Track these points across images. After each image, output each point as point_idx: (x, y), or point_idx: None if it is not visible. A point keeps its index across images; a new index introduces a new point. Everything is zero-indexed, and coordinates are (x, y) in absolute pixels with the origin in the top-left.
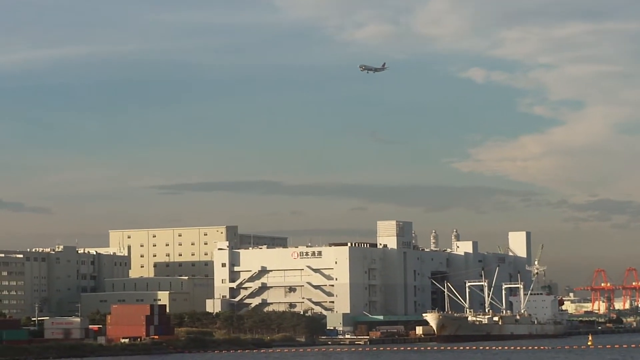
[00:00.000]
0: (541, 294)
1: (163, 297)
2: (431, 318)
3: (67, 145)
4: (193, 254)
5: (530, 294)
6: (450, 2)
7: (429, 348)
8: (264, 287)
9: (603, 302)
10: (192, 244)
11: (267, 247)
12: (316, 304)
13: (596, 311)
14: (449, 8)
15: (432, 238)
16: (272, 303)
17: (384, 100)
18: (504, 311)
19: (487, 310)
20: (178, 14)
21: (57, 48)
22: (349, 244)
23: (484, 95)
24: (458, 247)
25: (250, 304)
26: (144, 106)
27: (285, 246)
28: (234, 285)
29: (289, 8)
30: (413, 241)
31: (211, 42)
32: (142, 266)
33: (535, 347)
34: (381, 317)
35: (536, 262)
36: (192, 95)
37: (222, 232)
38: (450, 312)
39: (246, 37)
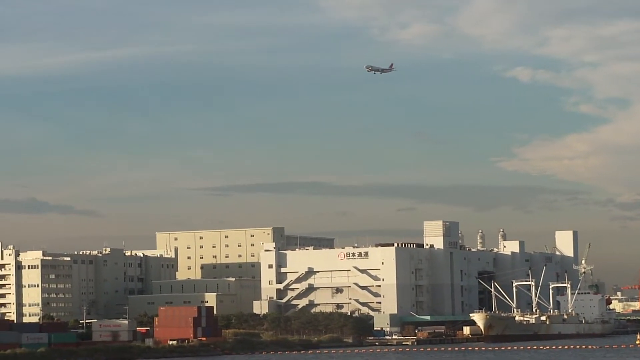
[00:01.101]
0: (588, 293)
1: (210, 299)
2: (478, 318)
3: (115, 147)
4: (240, 256)
5: (578, 294)
6: (495, 2)
7: (476, 348)
8: (310, 288)
9: None
10: (238, 246)
11: (314, 248)
12: (363, 304)
13: None
14: (493, 7)
15: (478, 238)
16: (319, 304)
17: (430, 100)
18: (552, 311)
19: (534, 310)
20: (223, 16)
21: (104, 51)
22: (396, 245)
23: (529, 94)
24: (505, 246)
25: (298, 305)
26: (190, 108)
27: (332, 247)
28: (281, 286)
29: (334, 9)
30: (460, 241)
31: (256, 44)
32: (189, 268)
33: (583, 347)
34: (428, 318)
35: (583, 261)
36: (238, 96)
37: (268, 234)
38: (497, 312)
39: (291, 38)
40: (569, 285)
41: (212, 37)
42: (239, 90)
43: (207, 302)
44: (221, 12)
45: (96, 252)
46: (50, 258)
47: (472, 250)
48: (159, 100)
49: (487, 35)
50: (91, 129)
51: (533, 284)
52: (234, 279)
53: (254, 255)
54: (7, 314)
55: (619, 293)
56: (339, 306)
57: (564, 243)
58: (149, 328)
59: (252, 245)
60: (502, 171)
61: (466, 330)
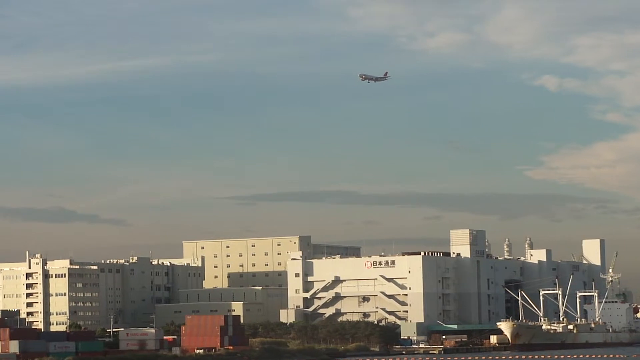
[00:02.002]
0: (616, 301)
1: (237, 308)
2: (505, 327)
3: (142, 156)
4: (267, 264)
5: (605, 302)
6: (522, 10)
7: (503, 357)
8: (337, 297)
9: None
10: (265, 254)
11: (341, 257)
12: (390, 313)
13: None
14: (521, 16)
15: (505, 246)
16: (345, 313)
17: (457, 108)
18: (579, 319)
19: (561, 319)
20: (250, 24)
21: (131, 60)
22: (423, 253)
23: (556, 102)
24: (532, 255)
25: (324, 313)
26: (217, 116)
27: (358, 256)
28: (307, 295)
29: (362, 17)
30: (486, 250)
31: (284, 52)
32: (215, 277)
33: (610, 356)
34: (455, 326)
35: (610, 270)
36: (266, 105)
37: (295, 242)
38: (524, 321)
39: (318, 47)
40: (596, 294)
41: (239, 45)
42: (266, 98)
43: (234, 310)
44: (248, 21)
45: (123, 261)
46: (78, 267)
47: (499, 258)
48: (186, 108)
49: (514, 43)
50: (118, 137)
51: (560, 292)
52: (260, 287)
53: (280, 264)
54: (34, 323)
55: None
56: (365, 315)
57: (591, 251)
58: (175, 337)
59: (279, 254)
60: (529, 179)
61: (493, 339)
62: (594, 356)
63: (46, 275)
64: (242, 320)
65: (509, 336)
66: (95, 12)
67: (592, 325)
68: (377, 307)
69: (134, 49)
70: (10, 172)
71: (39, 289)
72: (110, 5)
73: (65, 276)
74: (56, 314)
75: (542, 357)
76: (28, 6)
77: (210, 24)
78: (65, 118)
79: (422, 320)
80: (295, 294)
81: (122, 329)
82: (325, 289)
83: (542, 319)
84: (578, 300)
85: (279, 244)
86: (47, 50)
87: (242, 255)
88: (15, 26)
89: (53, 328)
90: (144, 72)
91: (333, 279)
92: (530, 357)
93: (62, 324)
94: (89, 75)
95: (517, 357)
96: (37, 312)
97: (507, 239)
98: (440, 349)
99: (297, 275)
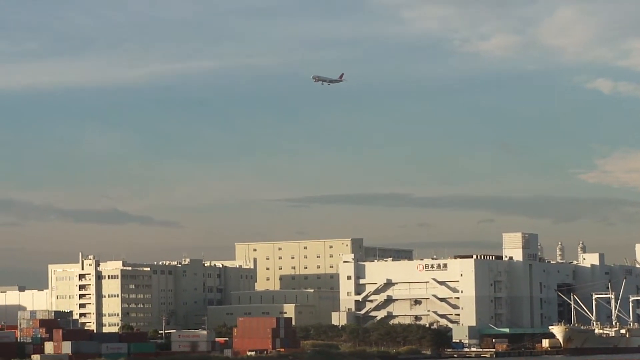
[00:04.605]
0: None
1: (289, 310)
2: (558, 331)
3: (195, 157)
4: (319, 267)
5: None
6: (577, 12)
7: None
8: (389, 300)
9: None
10: (317, 257)
11: (393, 260)
12: (442, 316)
13: None
14: (575, 18)
15: (558, 250)
16: (397, 316)
17: (510, 111)
18: (632, 324)
19: (614, 323)
20: (303, 27)
21: (184, 62)
22: (475, 257)
23: (610, 105)
24: (584, 259)
25: (376, 316)
26: (270, 118)
27: (410, 259)
28: (359, 298)
29: (415, 20)
30: (539, 253)
31: (337, 54)
32: (267, 279)
33: None
34: (507, 330)
35: None
36: (318, 106)
37: (347, 245)
38: (576, 325)
39: (372, 49)
40: None
41: (292, 47)
42: (319, 100)
43: (286, 313)
44: (301, 23)
45: (175, 263)
46: (130, 268)
47: (552, 262)
48: (239, 110)
49: (568, 46)
50: (171, 139)
51: (613, 296)
52: (312, 290)
53: (332, 267)
54: (87, 324)
55: None
56: (417, 318)
57: None
58: (227, 339)
59: (331, 256)
60: (582, 183)
61: (545, 343)
62: None
63: (99, 277)
64: (293, 323)
65: (561, 340)
66: (147, 14)
67: None
68: (428, 310)
69: (186, 51)
70: (64, 174)
71: (92, 290)
72: (163, 8)
73: (117, 277)
74: (108, 315)
75: None
76: (84, 7)
77: (261, 26)
78: (118, 119)
79: (474, 324)
80: (347, 296)
81: (174, 331)
82: (377, 291)
83: (594, 323)
84: (631, 304)
85: (331, 247)
86: (100, 52)
87: (294, 258)
88: (71, 28)
89: (105, 329)
90: (197, 73)
91: (385, 281)
92: None
93: (115, 325)
94: (142, 77)
95: None
96: (90, 313)
97: (559, 243)
98: (492, 353)
99: (349, 277)
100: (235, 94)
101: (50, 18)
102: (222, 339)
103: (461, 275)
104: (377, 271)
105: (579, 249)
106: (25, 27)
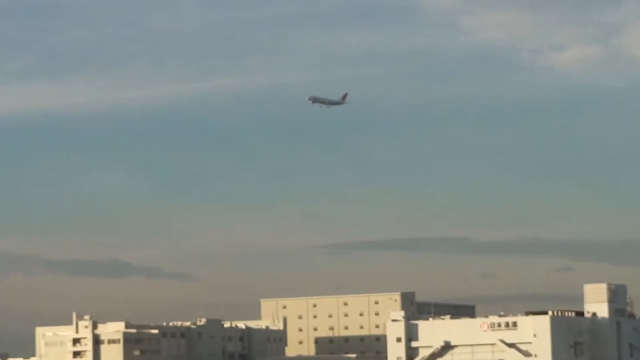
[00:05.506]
0: None
1: None
2: None
3: (213, 198)
4: (362, 327)
5: None
6: None
7: None
8: None
9: None
10: (360, 315)
11: (451, 318)
12: None
13: None
14: None
15: None
16: None
17: (591, 137)
18: None
19: None
20: (343, 38)
21: (204, 81)
22: (551, 313)
23: None
24: None
25: None
26: (303, 149)
27: (472, 316)
28: None
29: (476, 29)
30: (628, 308)
31: (384, 71)
32: (300, 342)
33: None
34: None
35: None
36: (361, 135)
37: (396, 300)
38: None
39: (425, 64)
40: None
41: (330, 63)
42: (361, 127)
43: None
44: (340, 34)
45: (189, 323)
46: (135, 330)
47: None
48: (264, 139)
49: None
50: (183, 176)
51: None
52: (354, 355)
53: (378, 327)
54: None
55: None
56: None
57: None
58: None
59: (377, 314)
60: None
61: None
62: None
63: (97, 341)
64: None
65: None
66: (157, 26)
67: None
68: None
69: (203, 69)
70: (55, 217)
71: (89, 357)
72: (174, 18)
73: (119, 342)
74: None
75: None
76: (80, 19)
77: (293, 39)
78: (119, 151)
79: None
80: None
81: None
82: (433, 356)
83: None
84: None
85: (376, 302)
86: (101, 72)
87: (332, 316)
88: (65, 43)
89: None
90: (215, 95)
91: (442, 344)
92: None
93: None
94: (150, 101)
95: None
96: None
97: None
98: None
99: (398, 339)
100: (261, 120)
101: (37, 32)
102: None
103: (534, 335)
104: (433, 331)
105: None
106: (8, 42)
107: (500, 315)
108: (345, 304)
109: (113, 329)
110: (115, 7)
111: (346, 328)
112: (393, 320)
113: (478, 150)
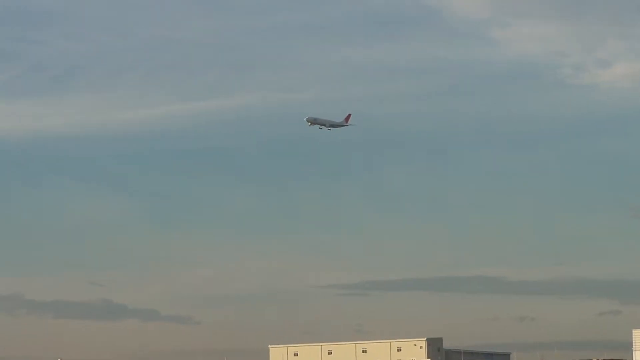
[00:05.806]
0: None
1: None
2: None
3: (215, 230)
4: None
5: None
6: None
7: None
8: None
9: None
10: None
11: None
12: None
13: None
14: None
15: None
16: None
17: None
18: None
19: None
20: (361, 50)
21: (205, 99)
22: None
23: None
24: None
25: None
26: (315, 175)
27: None
28: None
29: (511, 41)
30: None
31: (407, 88)
32: None
33: None
34: None
35: None
36: (381, 159)
37: (422, 347)
38: None
39: (453, 80)
40: None
41: (343, 78)
42: (380, 150)
43: None
44: (356, 46)
45: None
46: None
47: None
48: (274, 165)
49: None
50: (182, 205)
51: None
52: None
53: None
54: None
55: None
56: None
57: None
58: None
59: None
60: None
61: None
62: None
63: None
64: None
65: None
66: (153, 38)
67: None
68: None
69: (204, 85)
70: (39, 253)
71: None
72: (173, 27)
73: None
74: None
75: None
76: (68, 28)
77: (304, 52)
78: (112, 180)
79: None
80: None
81: None
82: None
83: None
84: None
85: (399, 349)
86: (89, 88)
87: None
88: (52, 54)
89: None
90: (217, 115)
91: None
92: None
93: None
94: (143, 122)
95: None
96: None
97: None
98: None
99: None
100: (265, 142)
101: (23, 43)
102: None
103: None
104: None
105: None
106: None
107: None
108: (365, 351)
109: None
110: (109, 17)
111: None
112: None
113: (513, 177)
